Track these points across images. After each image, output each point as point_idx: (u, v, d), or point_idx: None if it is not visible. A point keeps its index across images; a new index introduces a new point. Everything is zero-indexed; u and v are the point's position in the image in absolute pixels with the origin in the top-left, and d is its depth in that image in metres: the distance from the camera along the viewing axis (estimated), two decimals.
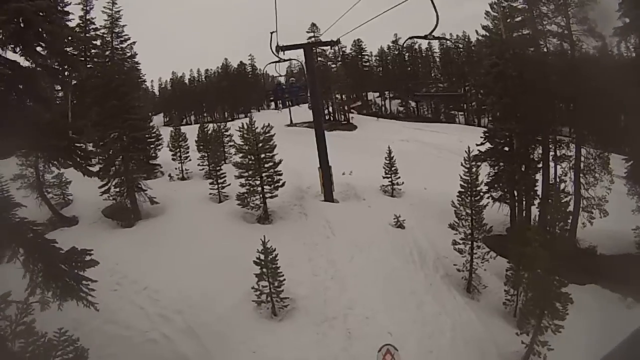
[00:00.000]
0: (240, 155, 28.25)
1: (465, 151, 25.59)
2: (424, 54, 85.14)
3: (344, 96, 75.22)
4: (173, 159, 37.65)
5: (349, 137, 63.73)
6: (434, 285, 24.36)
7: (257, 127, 28.02)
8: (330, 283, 23.34)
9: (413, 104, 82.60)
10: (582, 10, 28.17)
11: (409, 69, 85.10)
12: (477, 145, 30.18)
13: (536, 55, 30.12)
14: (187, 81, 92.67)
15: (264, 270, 20.83)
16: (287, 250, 23.23)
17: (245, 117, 78.48)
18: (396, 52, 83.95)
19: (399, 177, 34.34)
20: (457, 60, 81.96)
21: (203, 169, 35.13)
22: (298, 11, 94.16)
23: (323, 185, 31.49)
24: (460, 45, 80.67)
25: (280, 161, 28.61)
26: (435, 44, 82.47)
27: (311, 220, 28.49)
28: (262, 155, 27.91)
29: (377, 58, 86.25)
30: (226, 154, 41.57)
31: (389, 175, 34.32)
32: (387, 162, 34.31)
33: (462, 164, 25.50)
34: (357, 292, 22.52)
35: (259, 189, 28.23)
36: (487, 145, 30.69)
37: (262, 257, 20.67)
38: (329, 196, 31.45)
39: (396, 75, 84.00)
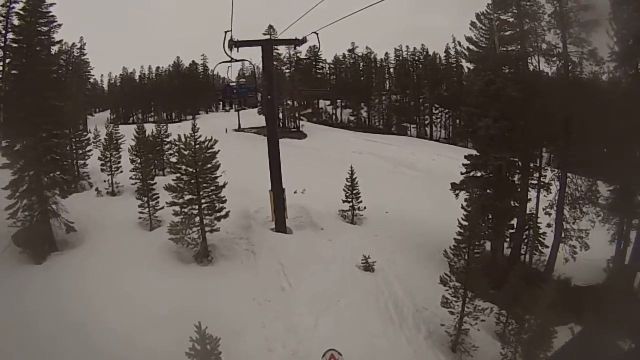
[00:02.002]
0: (175, 176, 21.43)
1: (468, 192, 21.19)
2: (378, 65, 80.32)
3: (295, 102, 68.79)
4: (102, 169, 30.29)
5: (299, 147, 57.73)
6: (418, 353, 18.35)
7: (199, 137, 21.44)
8: None
9: (365, 114, 78.02)
10: (579, 30, 23.82)
11: (362, 78, 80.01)
12: (463, 173, 26.11)
13: (533, 74, 25.36)
14: (137, 78, 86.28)
15: None
16: (232, 310, 17.80)
17: (193, 118, 72.95)
18: (351, 61, 78.90)
19: (361, 202, 28.45)
20: (412, 72, 77.73)
21: (136, 182, 27.51)
22: (256, 13, 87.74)
23: (274, 212, 25.15)
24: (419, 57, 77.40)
25: (224, 185, 22.04)
26: (391, 54, 79.07)
27: (262, 261, 21.99)
28: (202, 177, 21.29)
29: (332, 66, 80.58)
30: (165, 164, 34.66)
31: (350, 200, 28.32)
32: (348, 184, 28.31)
33: (463, 199, 21.50)
34: None
35: (197, 219, 21.51)
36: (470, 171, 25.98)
37: (197, 346, 13.63)
38: (281, 226, 25.24)
39: (350, 84, 78.65)
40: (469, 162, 25.97)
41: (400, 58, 78.22)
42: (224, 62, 22.77)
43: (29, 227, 21.92)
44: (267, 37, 54.21)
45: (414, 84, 76.57)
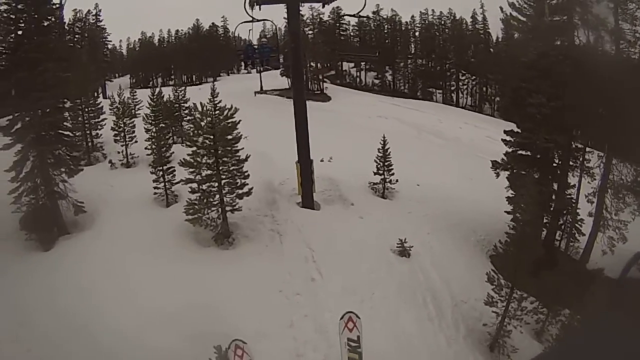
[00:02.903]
0: (191, 150, 18.59)
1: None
2: (403, 28, 75.66)
3: (318, 64, 64.99)
4: (116, 140, 27.59)
5: (323, 109, 53.81)
6: (458, 356, 15.75)
7: (218, 103, 18.58)
8: None
9: (389, 77, 73.81)
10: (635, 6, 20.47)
11: (387, 41, 75.40)
12: (507, 153, 22.97)
13: (583, 49, 21.69)
14: (156, 42, 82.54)
15: None
16: (257, 304, 15.46)
17: (214, 81, 70.17)
18: (376, 24, 74.60)
19: (393, 174, 25.31)
20: (438, 37, 73.23)
21: (151, 153, 24.48)
22: None
23: (301, 185, 22.36)
24: (445, 22, 72.71)
25: (247, 157, 19.19)
26: (417, 18, 74.20)
27: (288, 244, 19.26)
28: (222, 150, 18.46)
29: (355, 28, 75.89)
30: (184, 131, 31.85)
31: (382, 172, 25.26)
32: (379, 154, 25.16)
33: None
34: None
35: (217, 197, 18.75)
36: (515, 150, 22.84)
37: None
38: (308, 201, 22.48)
39: (374, 47, 73.53)
40: (511, 138, 22.73)
41: (426, 22, 73.58)
42: (245, 22, 20.81)
43: (34, 211, 19.61)
44: None
45: (440, 49, 72.23)
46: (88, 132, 28.77)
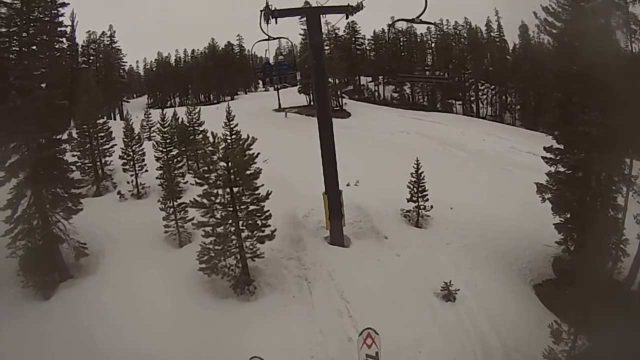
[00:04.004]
0: (202, 189, 15.58)
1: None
2: (419, 40, 72.98)
3: (337, 80, 62.03)
4: (124, 170, 24.79)
5: (344, 126, 50.42)
6: None
7: (234, 127, 15.83)
8: None
9: (408, 90, 70.54)
10: None
11: (403, 54, 72.67)
12: (550, 174, 19.80)
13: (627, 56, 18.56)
14: (173, 62, 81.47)
15: None
16: None
17: (232, 99, 68.23)
18: (391, 36, 71.44)
19: (427, 199, 22.18)
20: (455, 47, 70.18)
21: (161, 184, 21.76)
22: None
23: (329, 219, 19.27)
24: (461, 31, 69.60)
25: (269, 194, 16.17)
26: (432, 28, 69.87)
27: (318, 294, 16.19)
28: (239, 188, 15.47)
29: (371, 42, 73.59)
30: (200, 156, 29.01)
31: (416, 199, 22.12)
32: (413, 179, 22.07)
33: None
34: None
35: (234, 241, 15.70)
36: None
37: None
38: (337, 237, 19.44)
39: (390, 60, 70.48)
40: (553, 156, 19.49)
41: (442, 32, 70.23)
42: (261, 40, 18.79)
43: (32, 254, 16.93)
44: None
45: (458, 59, 68.79)
46: (98, 159, 26.09)
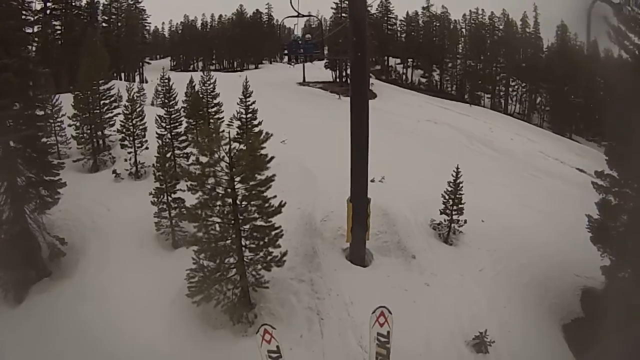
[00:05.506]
0: (197, 196, 11.97)
1: None
2: (452, 27, 67.57)
3: None
4: (122, 146, 21.29)
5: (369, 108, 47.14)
6: None
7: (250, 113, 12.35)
8: None
9: (437, 76, 65.78)
10: None
11: (435, 39, 67.37)
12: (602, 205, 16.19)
13: None
14: (199, 26, 76.59)
15: None
16: None
17: (256, 68, 65.13)
18: (425, 20, 66.92)
19: (462, 213, 18.65)
20: (488, 37, 64.71)
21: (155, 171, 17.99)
22: None
23: (351, 231, 15.70)
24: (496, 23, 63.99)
25: (282, 205, 12.48)
26: (468, 16, 66.10)
27: (331, 336, 12.90)
28: (244, 196, 11.82)
29: (403, 23, 68.26)
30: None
31: (449, 212, 18.60)
32: (450, 189, 18.52)
33: None
34: None
35: (234, 269, 12.13)
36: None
37: None
38: (358, 254, 16.12)
39: (421, 43, 66.70)
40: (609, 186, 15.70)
41: (477, 22, 65.18)
42: (290, 16, 18.52)
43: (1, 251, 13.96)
44: None
45: (492, 50, 63.93)
46: (98, 129, 22.62)
